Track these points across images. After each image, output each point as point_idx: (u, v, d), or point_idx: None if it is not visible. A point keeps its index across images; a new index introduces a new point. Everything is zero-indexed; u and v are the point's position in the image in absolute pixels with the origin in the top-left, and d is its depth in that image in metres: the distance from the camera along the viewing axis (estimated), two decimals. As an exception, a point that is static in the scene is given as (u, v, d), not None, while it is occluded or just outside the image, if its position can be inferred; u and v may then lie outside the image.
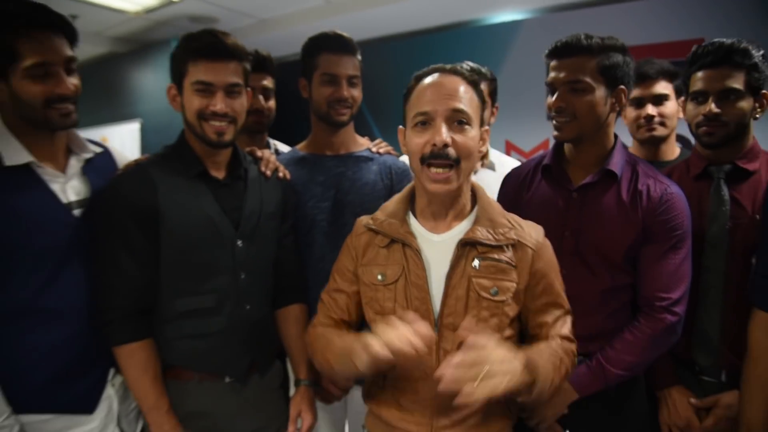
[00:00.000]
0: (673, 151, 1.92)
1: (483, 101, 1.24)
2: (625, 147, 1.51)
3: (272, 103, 1.97)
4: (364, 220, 1.34)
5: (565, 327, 1.23)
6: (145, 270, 1.35)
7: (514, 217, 1.28)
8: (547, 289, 1.23)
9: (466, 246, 1.20)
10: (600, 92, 1.38)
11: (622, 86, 1.41)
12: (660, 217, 1.36)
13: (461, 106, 1.17)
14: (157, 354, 1.36)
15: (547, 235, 1.36)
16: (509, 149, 3.97)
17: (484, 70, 1.89)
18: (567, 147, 1.49)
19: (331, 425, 1.86)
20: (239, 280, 1.43)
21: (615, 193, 1.41)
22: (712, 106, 1.42)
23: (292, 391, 1.67)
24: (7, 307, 1.24)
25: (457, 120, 1.17)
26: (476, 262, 1.19)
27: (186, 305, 1.38)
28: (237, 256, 1.42)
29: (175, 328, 1.38)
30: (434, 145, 1.15)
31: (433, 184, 1.18)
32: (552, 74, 1.43)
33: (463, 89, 1.19)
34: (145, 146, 4.68)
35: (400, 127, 1.28)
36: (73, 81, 1.28)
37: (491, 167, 1.98)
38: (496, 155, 2.04)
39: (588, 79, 1.37)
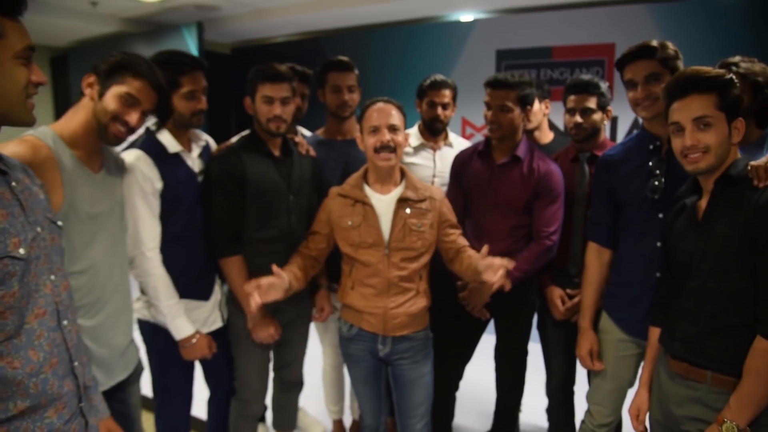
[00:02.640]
0: (546, 136, 2.77)
1: (405, 116, 2.09)
2: (527, 140, 2.41)
3: (306, 104, 2.78)
4: (336, 189, 2.16)
5: (462, 239, 2.16)
6: (237, 212, 2.16)
7: (425, 184, 2.16)
8: (449, 219, 2.14)
9: (402, 201, 2.05)
10: (516, 111, 2.27)
11: (529, 107, 2.31)
12: (544, 184, 2.27)
13: (395, 122, 2.03)
14: (245, 264, 2.20)
15: (477, 192, 2.31)
16: (465, 124, 4.82)
17: (449, 81, 2.68)
18: (494, 140, 2.38)
19: (337, 324, 2.79)
20: (291, 220, 2.26)
21: (519, 168, 2.31)
22: (577, 118, 2.29)
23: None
24: (170, 235, 2.03)
25: (393, 128, 2.02)
26: (408, 210, 2.05)
27: (261, 234, 2.20)
28: (290, 205, 2.25)
29: (254, 249, 2.20)
30: (382, 142, 2.00)
31: (381, 162, 2.01)
32: (488, 98, 2.29)
33: (395, 112, 2.05)
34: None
35: (358, 134, 2.11)
36: (204, 100, 2.09)
37: (450, 145, 2.79)
38: (453, 137, 2.85)
39: (510, 104, 2.25)
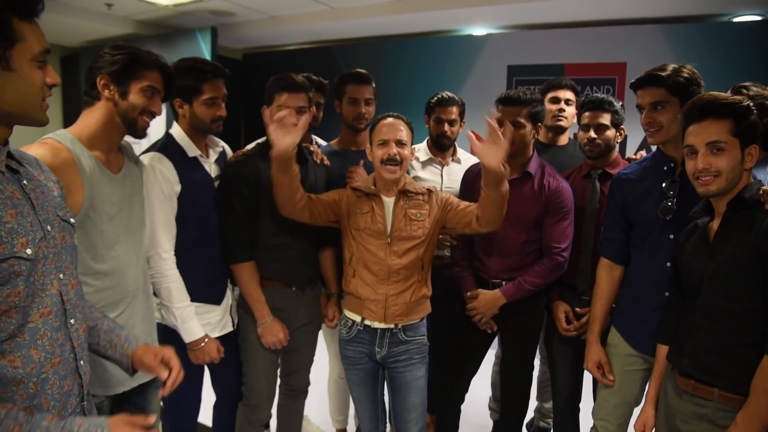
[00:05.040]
0: (566, 139, 2.86)
1: (413, 132, 2.17)
2: (538, 156, 2.42)
3: (321, 113, 2.79)
4: (350, 185, 2.24)
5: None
6: (250, 218, 2.18)
7: (422, 186, 2.22)
8: (452, 199, 2.19)
9: (401, 193, 2.13)
10: (528, 128, 2.30)
11: (540, 124, 2.34)
12: (554, 200, 2.29)
13: (402, 137, 2.10)
14: (257, 270, 2.21)
15: None
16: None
17: (457, 98, 2.74)
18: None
19: (338, 357, 2.77)
20: (305, 227, 2.30)
21: (530, 184, 2.33)
22: (591, 133, 2.32)
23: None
24: (185, 238, 2.04)
25: (400, 143, 2.09)
26: (407, 201, 2.13)
27: (274, 241, 2.22)
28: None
29: (266, 254, 2.22)
30: (389, 154, 2.07)
31: (387, 174, 2.09)
32: (500, 114, 2.28)
33: (403, 127, 2.13)
34: (168, 122, 5.40)
35: (368, 145, 2.18)
36: (224, 107, 2.11)
37: (458, 161, 2.84)
38: (462, 153, 2.89)
39: (522, 120, 2.27)
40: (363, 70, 2.65)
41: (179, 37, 5.25)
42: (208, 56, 4.98)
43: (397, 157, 2.08)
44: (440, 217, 2.17)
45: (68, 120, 6.58)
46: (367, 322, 2.16)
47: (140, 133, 1.74)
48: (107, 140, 1.70)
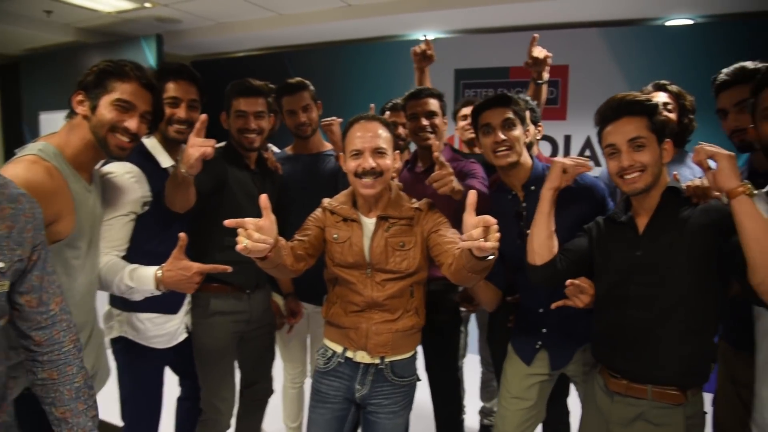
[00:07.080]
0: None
1: (393, 134, 1.88)
2: (451, 149, 2.51)
3: (278, 120, 2.69)
4: (326, 202, 1.97)
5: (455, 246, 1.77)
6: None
7: (414, 201, 1.92)
8: (439, 222, 1.86)
9: (382, 219, 1.86)
10: (441, 116, 2.38)
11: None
12: (465, 170, 2.27)
13: (380, 144, 1.80)
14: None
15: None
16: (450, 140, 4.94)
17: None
18: (424, 150, 2.41)
19: (297, 340, 2.80)
20: None
21: None
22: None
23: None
24: (147, 250, 1.91)
25: (377, 151, 1.80)
26: (389, 228, 1.84)
27: (230, 242, 2.10)
28: (260, 214, 2.25)
29: (220, 254, 2.11)
30: (363, 167, 1.78)
31: (364, 189, 1.81)
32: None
33: (381, 131, 1.81)
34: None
35: (341, 154, 1.90)
36: (192, 114, 2.03)
37: None
38: None
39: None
40: (294, 80, 2.57)
41: (123, 45, 5.13)
42: (153, 64, 4.89)
43: (376, 169, 1.79)
44: (428, 240, 1.86)
45: (7, 132, 6.34)
46: (349, 354, 1.91)
47: (114, 153, 1.61)
48: (90, 158, 1.61)
